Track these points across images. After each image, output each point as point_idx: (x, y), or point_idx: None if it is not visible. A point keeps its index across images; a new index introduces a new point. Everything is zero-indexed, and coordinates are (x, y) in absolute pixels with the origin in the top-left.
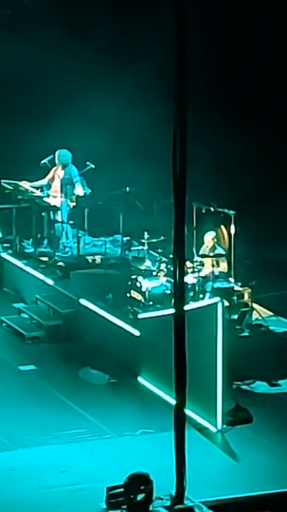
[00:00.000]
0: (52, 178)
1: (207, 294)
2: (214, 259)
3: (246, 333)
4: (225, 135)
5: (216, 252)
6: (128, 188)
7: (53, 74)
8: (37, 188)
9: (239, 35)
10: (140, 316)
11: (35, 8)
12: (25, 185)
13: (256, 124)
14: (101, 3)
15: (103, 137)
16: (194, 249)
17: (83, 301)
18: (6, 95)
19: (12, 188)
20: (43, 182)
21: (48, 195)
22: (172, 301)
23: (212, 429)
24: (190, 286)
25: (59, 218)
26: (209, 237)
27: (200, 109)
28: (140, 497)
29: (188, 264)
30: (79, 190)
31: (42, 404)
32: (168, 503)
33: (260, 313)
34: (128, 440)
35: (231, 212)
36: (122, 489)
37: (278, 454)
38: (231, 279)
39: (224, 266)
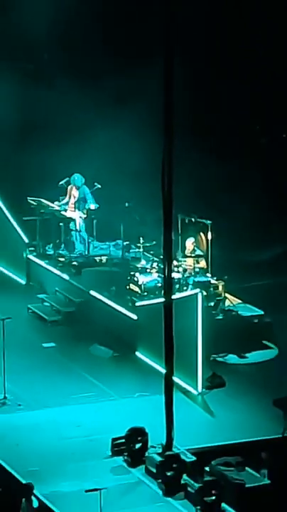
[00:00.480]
0: (69, 196)
1: (190, 286)
2: (194, 259)
3: (220, 317)
4: (204, 162)
5: (196, 253)
6: (127, 204)
7: (67, 113)
8: (59, 205)
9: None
10: (137, 304)
11: (53, 62)
12: (46, 201)
13: (228, 154)
14: (106, 57)
15: (107, 162)
16: (179, 251)
17: (92, 292)
18: (31, 131)
19: (36, 203)
20: (65, 201)
21: (65, 210)
22: (162, 292)
23: (194, 392)
24: (176, 280)
25: (75, 227)
26: (190, 242)
27: (184, 141)
28: (138, 446)
29: (175, 263)
30: (92, 206)
31: (60, 374)
32: (160, 451)
33: (231, 301)
34: (129, 401)
35: (208, 222)
36: (124, 440)
37: (246, 412)
38: (209, 275)
39: (202, 264)
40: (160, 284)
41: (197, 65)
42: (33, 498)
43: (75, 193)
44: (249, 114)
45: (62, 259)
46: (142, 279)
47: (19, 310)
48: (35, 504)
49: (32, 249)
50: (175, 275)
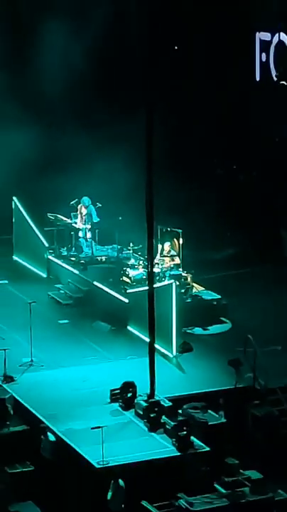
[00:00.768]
0: (79, 213)
1: (166, 278)
2: (170, 258)
3: (189, 300)
4: (176, 188)
5: (171, 254)
6: (120, 218)
7: (75, 150)
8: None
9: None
10: (128, 291)
11: (65, 113)
12: (61, 216)
13: (194, 181)
14: (104, 110)
15: (105, 187)
16: (159, 253)
17: (95, 283)
18: (49, 164)
19: (53, 218)
20: (79, 218)
21: (75, 222)
22: (147, 282)
23: (170, 355)
24: (156, 273)
25: (83, 235)
26: (166, 245)
27: (162, 172)
28: (129, 395)
29: (155, 261)
30: (95, 220)
31: (72, 343)
32: (145, 398)
33: (197, 288)
34: (122, 362)
35: (179, 231)
36: (119, 391)
37: (208, 370)
38: (180, 269)
39: (176, 262)
40: (145, 277)
41: (172, 116)
42: (49, 434)
43: (83, 210)
44: (210, 152)
45: (73, 259)
46: (131, 272)
47: (41, 296)
48: (52, 438)
49: (51, 251)
50: (155, 270)
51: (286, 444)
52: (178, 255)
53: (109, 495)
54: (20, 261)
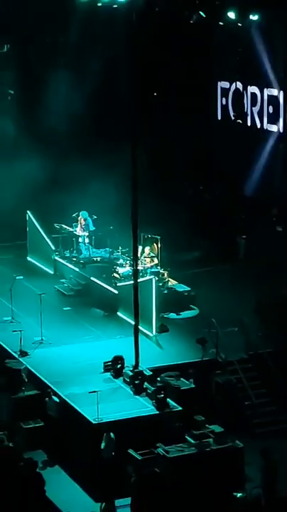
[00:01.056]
0: (79, 223)
1: (148, 274)
2: (150, 258)
3: (165, 292)
4: (155, 204)
5: (151, 255)
6: (111, 227)
7: (76, 174)
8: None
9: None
10: (118, 284)
11: (68, 144)
12: (65, 226)
13: (169, 200)
14: (99, 141)
15: (99, 203)
16: (142, 254)
17: (92, 278)
18: (54, 185)
19: (59, 227)
20: (79, 228)
21: (76, 231)
22: (132, 277)
23: (150, 334)
24: (140, 271)
25: (82, 240)
26: (147, 249)
27: (144, 192)
28: (118, 366)
29: (139, 261)
30: (91, 229)
31: (73, 325)
32: (131, 369)
33: (172, 282)
34: (113, 341)
35: (158, 237)
36: (110, 362)
37: (180, 346)
38: (159, 267)
39: (155, 261)
40: (131, 273)
41: (152, 148)
42: (54, 397)
43: (83, 221)
44: (182, 176)
45: (74, 259)
46: (120, 270)
47: (49, 288)
48: (57, 400)
49: (57, 253)
50: (139, 268)
51: (241, 405)
52: (157, 256)
53: (102, 445)
54: (33, 261)
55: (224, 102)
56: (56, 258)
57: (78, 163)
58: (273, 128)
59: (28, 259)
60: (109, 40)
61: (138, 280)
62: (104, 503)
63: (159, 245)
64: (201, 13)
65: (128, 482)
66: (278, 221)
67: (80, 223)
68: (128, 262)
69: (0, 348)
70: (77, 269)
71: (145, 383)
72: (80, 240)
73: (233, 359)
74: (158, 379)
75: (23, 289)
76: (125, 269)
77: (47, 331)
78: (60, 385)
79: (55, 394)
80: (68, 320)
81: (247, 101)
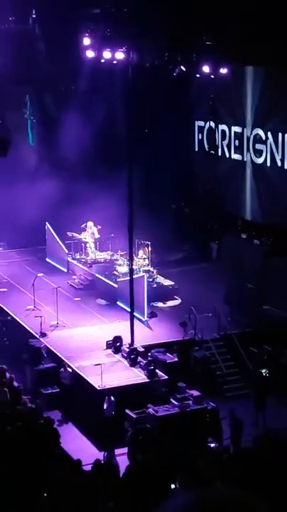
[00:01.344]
0: (87, 232)
1: (141, 272)
2: (143, 260)
3: (155, 286)
4: (147, 217)
5: (143, 257)
6: (112, 235)
7: (84, 194)
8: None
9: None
10: (118, 280)
11: (76, 170)
12: (75, 234)
13: (156, 216)
14: (101, 167)
15: (103, 215)
16: (136, 256)
17: (97, 275)
18: (65, 203)
19: (71, 235)
20: (85, 234)
21: (85, 238)
22: (129, 274)
23: (143, 319)
24: (134, 270)
25: (90, 245)
26: (141, 252)
27: (138, 207)
28: (118, 344)
29: (134, 261)
30: (97, 236)
31: (82, 311)
32: (128, 346)
33: (160, 278)
34: (113, 324)
35: (149, 242)
36: (111, 341)
37: (166, 328)
38: (150, 267)
39: (146, 262)
40: (127, 271)
41: (145, 173)
42: (67, 368)
43: (89, 230)
44: (168, 194)
45: (83, 260)
46: (119, 268)
47: (63, 283)
48: (69, 370)
49: (69, 255)
50: (134, 267)
51: (214, 374)
52: (148, 258)
53: (105, 406)
54: (51, 261)
55: (200, 137)
56: (69, 259)
57: (85, 185)
58: (238, 157)
59: (47, 260)
60: (110, 88)
61: (133, 277)
62: (106, 452)
63: (149, 249)
64: (182, 67)
65: (125, 435)
66: (242, 230)
67: (88, 232)
68: (125, 262)
69: (24, 330)
70: (85, 268)
71: (139, 357)
72: (87, 245)
73: (208, 338)
74: (149, 354)
75: (43, 284)
76: (123, 268)
77: (61, 316)
78: (72, 359)
79: (68, 366)
80: (78, 308)
81: (218, 136)
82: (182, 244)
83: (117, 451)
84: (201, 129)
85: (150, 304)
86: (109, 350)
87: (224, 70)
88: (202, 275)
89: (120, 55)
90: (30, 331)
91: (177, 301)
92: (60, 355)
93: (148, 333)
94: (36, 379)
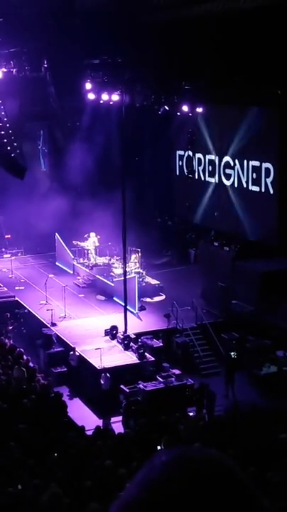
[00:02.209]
0: (89, 241)
1: (133, 274)
2: (134, 263)
3: (144, 284)
4: (139, 230)
5: (134, 261)
6: (109, 243)
7: (88, 212)
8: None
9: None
10: (114, 280)
11: (82, 191)
12: (80, 242)
13: (145, 227)
14: (101, 188)
15: (102, 227)
16: (128, 260)
17: (97, 276)
18: (71, 215)
19: (76, 243)
20: (90, 243)
21: (87, 245)
22: (123, 275)
23: (134, 311)
24: (127, 271)
25: (92, 251)
26: (133, 257)
27: (131, 220)
28: (114, 332)
29: (127, 264)
30: (97, 243)
31: (85, 306)
32: (122, 333)
33: (148, 279)
34: (111, 316)
35: (139, 249)
36: (109, 330)
37: (154, 319)
38: (140, 269)
39: (137, 265)
40: (122, 273)
41: (135, 192)
42: (75, 352)
43: (91, 239)
44: (154, 209)
45: (86, 264)
46: (115, 270)
47: (70, 282)
48: (76, 354)
49: (75, 260)
50: (127, 269)
51: (192, 356)
52: (138, 262)
53: (102, 381)
54: (60, 265)
55: (180, 164)
56: (74, 263)
57: (88, 202)
58: (212, 180)
59: (57, 263)
60: (107, 124)
61: (127, 277)
62: (104, 419)
63: (139, 254)
64: (166, 107)
65: (120, 406)
66: (215, 239)
67: (90, 240)
68: (120, 265)
69: (38, 321)
70: (87, 270)
71: (131, 343)
72: (89, 251)
73: (187, 327)
74: (139, 340)
75: (53, 284)
76: (118, 270)
77: (68, 309)
78: (77, 344)
79: (74, 350)
80: (82, 302)
81: (195, 163)
82: (166, 251)
83: (113, 419)
84: (181, 157)
85: (141, 299)
86: (107, 337)
87: (199, 109)
88: (182, 276)
89: (115, 97)
90: (43, 321)
91: (162, 297)
92: (67, 341)
93: (138, 323)
94: (48, 360)
